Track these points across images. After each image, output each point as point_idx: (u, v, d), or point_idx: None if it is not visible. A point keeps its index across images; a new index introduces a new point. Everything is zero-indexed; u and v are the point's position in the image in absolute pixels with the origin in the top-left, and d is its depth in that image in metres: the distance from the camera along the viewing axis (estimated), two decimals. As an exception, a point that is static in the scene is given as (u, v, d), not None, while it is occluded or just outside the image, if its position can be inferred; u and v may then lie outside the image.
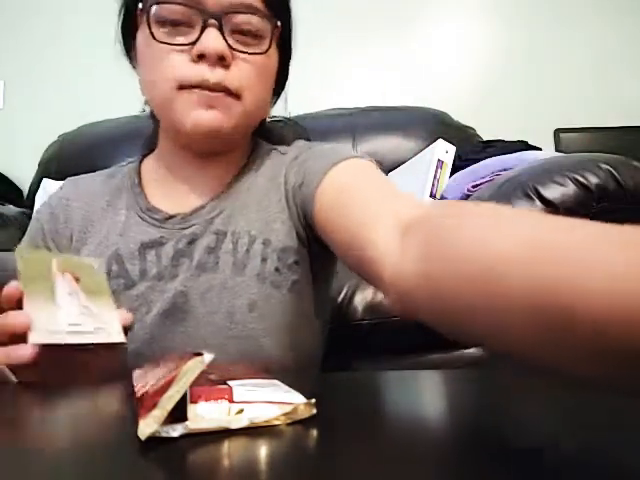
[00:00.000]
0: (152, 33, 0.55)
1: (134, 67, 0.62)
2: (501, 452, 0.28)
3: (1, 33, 2.19)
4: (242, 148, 0.66)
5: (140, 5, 0.56)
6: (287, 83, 0.69)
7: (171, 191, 0.64)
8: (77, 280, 0.43)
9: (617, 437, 0.30)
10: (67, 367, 0.44)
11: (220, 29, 0.54)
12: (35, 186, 1.65)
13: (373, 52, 2.10)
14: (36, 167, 1.74)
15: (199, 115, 0.55)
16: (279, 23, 0.58)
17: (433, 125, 1.63)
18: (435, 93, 2.01)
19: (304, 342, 0.61)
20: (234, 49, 0.55)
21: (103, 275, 0.47)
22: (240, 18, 0.55)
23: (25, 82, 2.16)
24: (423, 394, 0.45)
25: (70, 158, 1.64)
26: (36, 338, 0.39)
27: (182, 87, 0.55)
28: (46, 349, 0.40)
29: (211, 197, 0.63)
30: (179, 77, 0.54)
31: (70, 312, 0.41)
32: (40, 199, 1.55)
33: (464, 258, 0.28)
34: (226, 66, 0.54)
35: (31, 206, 1.56)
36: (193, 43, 0.54)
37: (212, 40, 0.53)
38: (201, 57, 0.54)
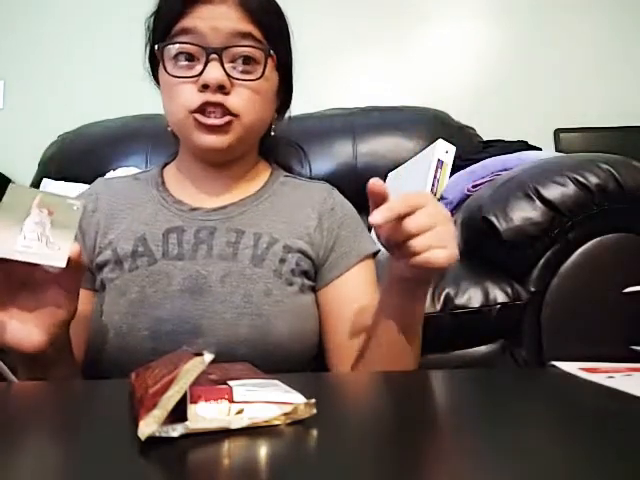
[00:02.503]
0: (166, 69, 0.66)
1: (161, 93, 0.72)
2: (501, 452, 0.28)
3: (1, 33, 2.19)
4: (247, 159, 0.76)
5: (156, 47, 0.67)
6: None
7: (192, 191, 0.73)
8: (51, 214, 0.50)
9: (617, 437, 0.30)
10: (16, 281, 0.50)
11: (220, 61, 0.64)
12: (35, 186, 1.65)
13: (373, 52, 2.10)
14: (36, 167, 1.73)
15: (204, 139, 0.66)
16: (272, 52, 0.67)
17: (433, 125, 1.62)
18: (435, 93, 2.01)
19: (307, 335, 0.66)
20: (233, 77, 0.65)
21: (78, 213, 0.52)
22: (237, 50, 0.65)
23: (25, 82, 2.16)
24: (423, 394, 0.45)
25: (70, 158, 1.64)
26: None
27: (191, 112, 0.65)
28: (3, 262, 0.47)
29: (233, 201, 0.72)
30: (188, 104, 0.65)
31: (28, 237, 0.48)
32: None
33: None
34: (226, 93, 0.64)
35: (31, 206, 1.56)
36: (199, 75, 0.64)
37: (213, 72, 0.63)
38: (205, 87, 0.64)
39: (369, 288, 0.70)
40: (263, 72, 0.66)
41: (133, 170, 1.40)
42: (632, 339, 0.79)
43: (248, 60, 0.66)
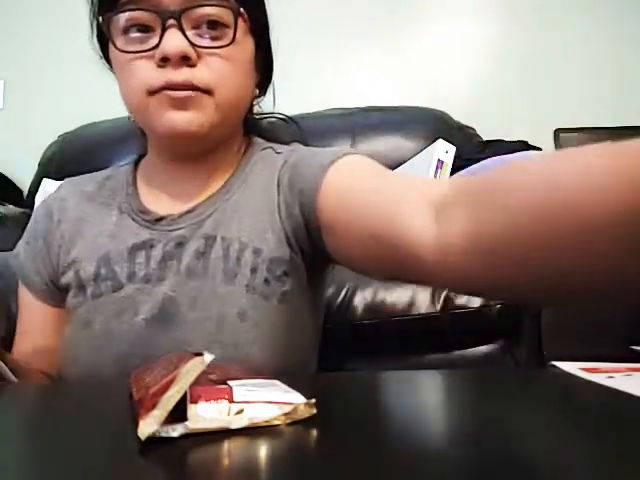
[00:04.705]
0: (115, 44, 0.55)
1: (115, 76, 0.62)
2: (501, 452, 0.28)
3: (1, 33, 2.19)
4: (230, 147, 0.65)
5: (101, 18, 0.56)
6: (277, 79, 0.67)
7: (162, 193, 0.64)
8: None
9: (617, 437, 0.29)
10: None
11: (180, 28, 0.52)
12: (35, 186, 1.65)
13: (373, 52, 2.10)
14: (36, 167, 1.73)
15: (171, 117, 0.54)
16: (242, 10, 0.56)
17: (433, 125, 1.62)
18: (435, 93, 2.00)
19: (294, 350, 0.59)
20: (197, 46, 0.54)
21: None
22: (199, 12, 0.53)
23: (25, 82, 2.16)
24: (423, 394, 0.45)
25: (70, 158, 1.64)
26: None
27: (151, 93, 0.54)
28: None
29: (202, 200, 0.62)
30: (146, 84, 0.54)
31: None
32: (40, 199, 1.55)
33: (515, 206, 0.31)
34: (192, 65, 0.54)
35: (31, 206, 1.56)
36: (156, 47, 0.53)
37: (173, 41, 0.52)
38: (165, 60, 0.53)
39: (360, 173, 0.54)
40: (234, 36, 0.55)
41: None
42: (632, 339, 0.79)
43: (214, 25, 0.54)
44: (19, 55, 2.17)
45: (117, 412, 0.36)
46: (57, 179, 1.58)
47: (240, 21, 0.55)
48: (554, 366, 0.48)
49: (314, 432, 0.30)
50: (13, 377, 0.52)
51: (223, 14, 0.54)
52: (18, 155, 2.00)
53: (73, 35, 2.15)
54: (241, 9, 0.55)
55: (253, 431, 0.30)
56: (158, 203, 0.63)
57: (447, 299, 0.90)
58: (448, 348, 0.92)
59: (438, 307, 0.89)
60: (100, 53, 0.63)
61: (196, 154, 0.61)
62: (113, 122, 1.70)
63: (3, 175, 1.93)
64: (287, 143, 0.67)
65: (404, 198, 0.45)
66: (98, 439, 0.31)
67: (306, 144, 0.67)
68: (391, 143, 1.61)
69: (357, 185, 0.52)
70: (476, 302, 0.89)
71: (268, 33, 0.63)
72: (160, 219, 0.61)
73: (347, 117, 1.69)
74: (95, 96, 2.09)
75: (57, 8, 2.17)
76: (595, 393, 0.40)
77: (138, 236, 0.60)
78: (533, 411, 0.36)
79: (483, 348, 0.92)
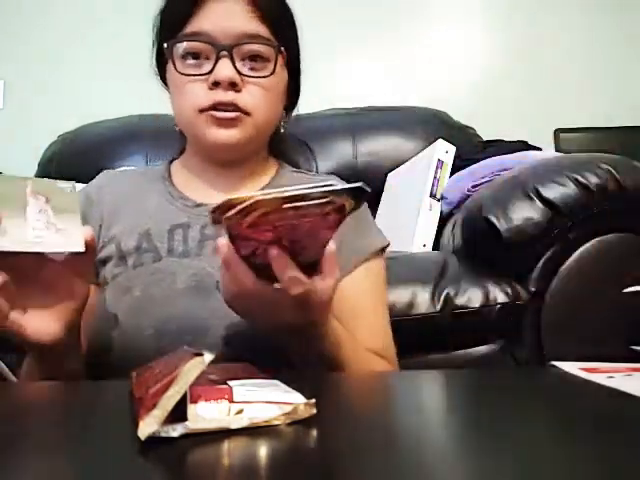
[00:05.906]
0: (175, 67, 0.67)
1: (169, 93, 0.72)
2: (501, 452, 0.28)
3: (1, 33, 2.19)
4: (257, 158, 0.75)
5: (165, 45, 0.67)
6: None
7: (199, 188, 0.73)
8: (48, 200, 0.49)
9: (617, 437, 0.30)
10: (22, 274, 0.49)
11: (231, 59, 0.64)
12: (35, 186, 1.65)
13: (373, 52, 2.10)
14: (36, 167, 1.73)
15: (216, 133, 0.66)
16: (282, 48, 0.67)
17: (433, 125, 1.63)
18: (435, 93, 2.00)
19: None
20: (243, 75, 0.65)
21: (75, 196, 0.51)
22: (248, 47, 0.65)
23: (25, 82, 2.16)
24: (423, 394, 0.45)
25: (70, 158, 1.64)
26: (3, 245, 0.45)
27: (201, 110, 0.65)
28: (13, 258, 0.46)
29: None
30: (198, 103, 0.65)
31: (36, 227, 0.47)
32: (40, 199, 1.55)
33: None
34: (238, 90, 0.65)
35: (31, 206, 1.56)
36: (209, 73, 0.64)
37: (225, 70, 0.64)
38: (216, 84, 0.64)
39: (370, 296, 0.68)
40: (274, 69, 0.66)
41: (133, 170, 1.40)
42: (632, 339, 0.79)
43: (257, 58, 0.66)
44: (19, 55, 2.17)
45: (117, 412, 0.36)
46: (57, 179, 1.58)
47: (279, 57, 0.67)
48: (554, 366, 0.48)
49: (314, 432, 0.30)
50: (13, 377, 0.52)
51: (266, 51, 0.66)
52: (18, 155, 2.00)
53: (73, 35, 2.15)
54: (281, 48, 0.67)
55: (253, 431, 0.30)
56: (195, 194, 0.71)
57: (447, 299, 0.90)
58: (448, 348, 0.92)
59: (438, 307, 0.89)
60: (158, 74, 0.74)
61: (231, 161, 0.72)
62: (113, 122, 1.70)
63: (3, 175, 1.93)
64: (297, 163, 0.82)
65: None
66: (98, 439, 0.31)
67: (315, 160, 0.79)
68: (391, 143, 1.61)
69: (362, 300, 0.67)
70: (476, 302, 0.90)
71: (299, 67, 0.75)
72: (198, 205, 0.70)
73: (347, 117, 1.70)
74: (95, 96, 2.09)
75: (57, 8, 2.17)
76: (595, 393, 0.40)
77: (176, 218, 0.69)
78: (533, 411, 0.36)
79: (483, 348, 0.92)
